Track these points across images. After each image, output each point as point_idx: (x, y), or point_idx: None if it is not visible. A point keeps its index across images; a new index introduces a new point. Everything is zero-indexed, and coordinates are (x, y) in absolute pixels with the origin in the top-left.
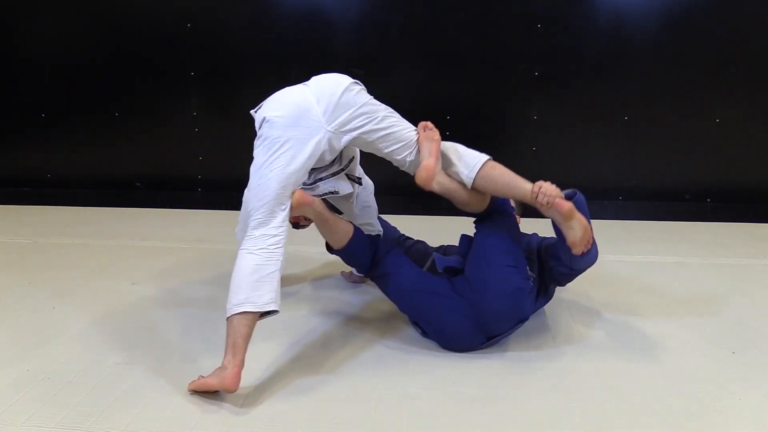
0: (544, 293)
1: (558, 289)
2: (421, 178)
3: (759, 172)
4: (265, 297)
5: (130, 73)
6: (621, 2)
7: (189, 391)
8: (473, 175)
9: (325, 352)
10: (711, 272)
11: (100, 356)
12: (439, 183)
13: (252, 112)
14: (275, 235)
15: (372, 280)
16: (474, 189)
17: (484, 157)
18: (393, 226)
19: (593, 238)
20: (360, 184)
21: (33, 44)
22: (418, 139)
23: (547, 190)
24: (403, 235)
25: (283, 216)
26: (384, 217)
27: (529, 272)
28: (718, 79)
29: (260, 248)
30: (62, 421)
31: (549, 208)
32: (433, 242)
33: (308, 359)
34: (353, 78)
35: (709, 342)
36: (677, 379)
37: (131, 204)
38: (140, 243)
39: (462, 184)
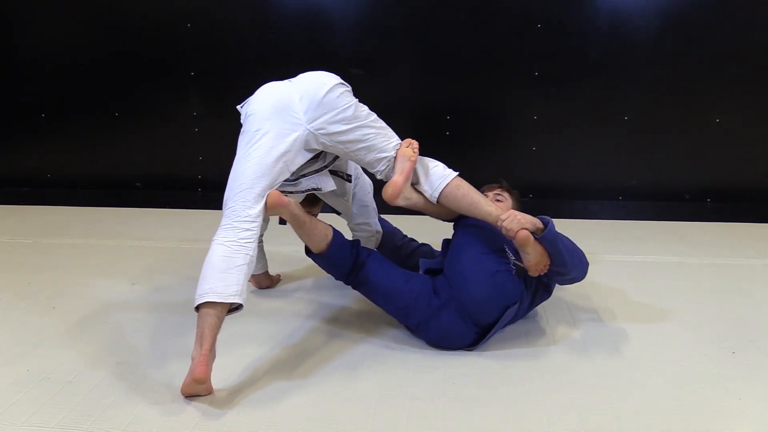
0: (544, 289)
1: (557, 289)
2: (386, 193)
3: (759, 173)
4: (231, 289)
5: (130, 73)
6: (621, 2)
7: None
8: (436, 195)
9: (325, 352)
10: (711, 272)
11: (100, 356)
12: (406, 199)
13: (238, 107)
14: (248, 229)
15: (355, 287)
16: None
17: (450, 176)
18: (396, 228)
19: (581, 255)
20: (349, 181)
21: (33, 44)
22: (397, 153)
23: (510, 224)
24: (407, 236)
25: (257, 209)
26: (383, 216)
27: (509, 257)
28: (718, 79)
29: (231, 240)
30: (62, 421)
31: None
32: (432, 242)
33: (308, 359)
34: (341, 79)
35: (709, 342)
36: (677, 379)
37: (131, 204)
38: (140, 243)
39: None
